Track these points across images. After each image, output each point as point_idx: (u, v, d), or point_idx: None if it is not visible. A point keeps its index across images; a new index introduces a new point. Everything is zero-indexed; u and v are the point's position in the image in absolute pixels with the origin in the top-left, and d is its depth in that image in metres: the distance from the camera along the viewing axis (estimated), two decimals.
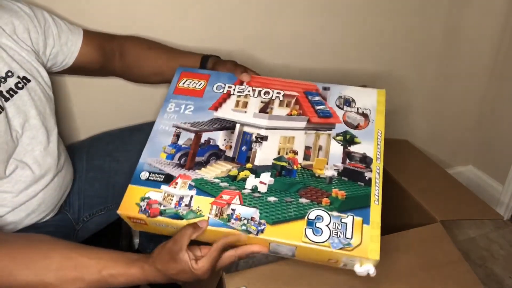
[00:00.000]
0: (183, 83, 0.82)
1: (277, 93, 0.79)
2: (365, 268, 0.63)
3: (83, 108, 1.05)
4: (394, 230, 0.87)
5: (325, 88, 0.79)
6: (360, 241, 0.62)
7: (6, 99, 0.71)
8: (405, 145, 1.36)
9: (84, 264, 0.61)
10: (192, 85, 0.82)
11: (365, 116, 0.75)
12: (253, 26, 1.09)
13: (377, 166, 0.70)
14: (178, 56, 0.93)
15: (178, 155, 0.74)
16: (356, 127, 0.74)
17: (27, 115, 0.74)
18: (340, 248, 0.62)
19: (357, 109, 0.76)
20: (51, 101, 0.81)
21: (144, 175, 0.71)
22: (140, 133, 0.97)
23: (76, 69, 0.89)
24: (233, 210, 0.66)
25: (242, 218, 0.65)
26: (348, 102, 0.76)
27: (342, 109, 0.76)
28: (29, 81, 0.75)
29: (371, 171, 0.69)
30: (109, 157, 0.94)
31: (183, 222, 0.65)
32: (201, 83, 0.82)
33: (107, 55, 0.91)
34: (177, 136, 0.76)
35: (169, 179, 0.71)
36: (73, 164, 0.91)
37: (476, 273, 0.82)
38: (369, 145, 0.72)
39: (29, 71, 0.76)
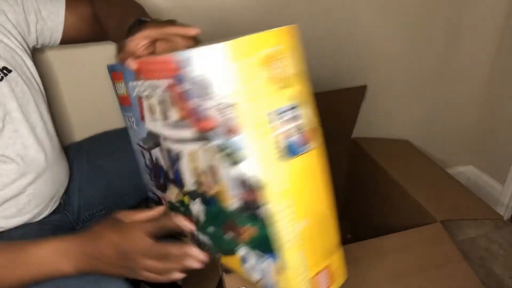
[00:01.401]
0: (118, 89, 0.70)
1: (158, 84, 0.57)
2: None
3: (83, 108, 1.05)
4: (394, 230, 0.87)
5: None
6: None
7: None
8: (405, 145, 1.36)
9: (20, 264, 0.61)
10: (121, 90, 0.69)
11: None
12: None
13: (273, 194, 0.47)
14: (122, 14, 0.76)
15: (152, 175, 0.74)
16: None
17: (6, 107, 0.71)
18: None
19: None
20: (37, 93, 0.77)
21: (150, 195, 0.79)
22: None
23: (70, 41, 0.83)
24: (197, 237, 0.65)
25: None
26: None
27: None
28: (9, 71, 0.71)
29: (266, 203, 0.48)
30: (109, 157, 0.94)
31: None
32: (122, 86, 0.68)
33: (89, 22, 0.82)
34: (143, 155, 0.73)
35: (159, 200, 0.76)
36: (73, 164, 0.90)
37: (476, 273, 0.82)
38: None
39: (10, 61, 0.72)
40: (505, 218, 1.48)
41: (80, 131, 1.06)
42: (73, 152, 0.93)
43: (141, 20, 0.70)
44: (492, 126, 1.48)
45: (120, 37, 0.69)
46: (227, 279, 0.74)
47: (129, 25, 0.69)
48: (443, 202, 1.00)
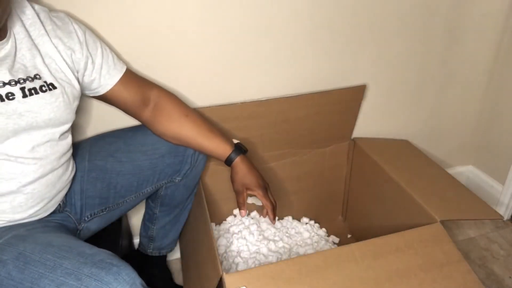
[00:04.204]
0: None
1: None
2: None
3: (84, 108, 1.05)
4: (394, 230, 0.88)
5: None
6: None
7: (24, 95, 0.72)
8: (405, 145, 1.36)
9: None
10: None
11: None
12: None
13: None
14: (209, 137, 0.96)
15: None
16: None
17: (37, 116, 0.74)
18: None
19: None
20: (68, 115, 0.80)
21: None
22: (142, 133, 0.97)
23: (106, 100, 0.91)
24: None
25: None
26: None
27: None
28: (55, 88, 0.77)
29: None
30: (111, 158, 0.94)
31: None
32: None
33: (142, 101, 0.93)
34: None
35: None
36: (74, 164, 0.90)
37: (476, 273, 0.82)
38: None
39: (59, 80, 0.78)
40: (505, 218, 1.48)
41: (80, 132, 1.07)
42: (75, 151, 0.93)
43: (239, 149, 0.98)
44: (492, 126, 1.48)
45: (192, 143, 0.96)
46: (227, 279, 0.74)
47: (229, 153, 0.96)
48: (443, 202, 1.00)
